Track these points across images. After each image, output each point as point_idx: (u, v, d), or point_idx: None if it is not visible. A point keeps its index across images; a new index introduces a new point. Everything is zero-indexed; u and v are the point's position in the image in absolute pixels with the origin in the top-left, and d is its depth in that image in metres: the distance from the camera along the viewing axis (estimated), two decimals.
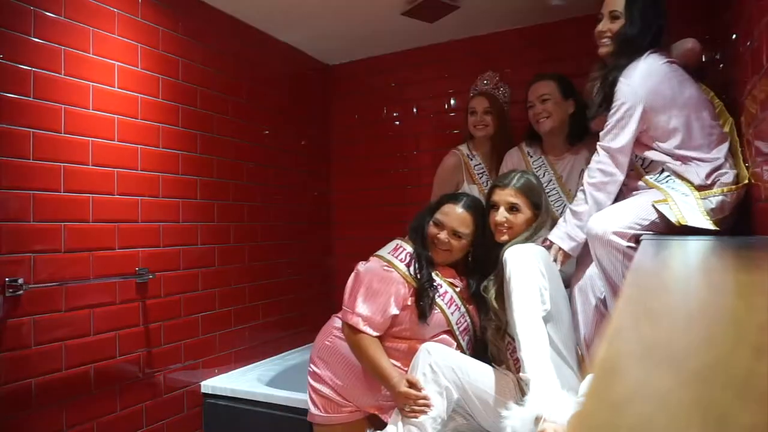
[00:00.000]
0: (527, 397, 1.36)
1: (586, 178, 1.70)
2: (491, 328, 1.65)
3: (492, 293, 1.63)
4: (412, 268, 1.76)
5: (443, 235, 1.77)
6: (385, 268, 1.76)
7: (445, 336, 1.76)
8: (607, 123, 1.67)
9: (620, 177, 1.66)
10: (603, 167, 1.66)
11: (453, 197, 1.87)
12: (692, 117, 1.59)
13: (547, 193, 2.10)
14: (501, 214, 1.67)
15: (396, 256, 1.79)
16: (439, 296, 1.75)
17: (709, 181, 1.54)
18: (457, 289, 1.81)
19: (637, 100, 1.60)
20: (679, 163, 1.59)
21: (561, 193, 2.14)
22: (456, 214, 1.78)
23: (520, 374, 1.43)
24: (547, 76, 2.15)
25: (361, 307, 1.70)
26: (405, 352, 1.73)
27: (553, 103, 2.10)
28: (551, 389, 1.34)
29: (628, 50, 1.67)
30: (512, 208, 1.67)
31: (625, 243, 1.47)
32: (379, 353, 1.68)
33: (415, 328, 1.73)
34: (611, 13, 1.72)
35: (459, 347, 1.77)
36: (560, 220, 1.75)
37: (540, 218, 1.68)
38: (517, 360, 1.62)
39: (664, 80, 1.61)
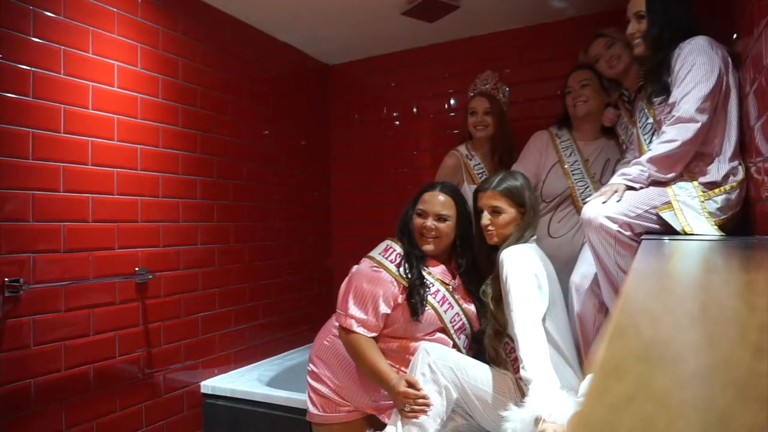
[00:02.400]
0: (527, 398, 1.36)
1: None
2: (489, 331, 1.65)
3: (490, 296, 1.64)
4: (402, 268, 1.76)
5: (429, 222, 1.79)
6: (374, 268, 1.77)
7: (440, 335, 1.76)
8: (677, 90, 1.54)
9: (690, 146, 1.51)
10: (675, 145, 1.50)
11: (429, 186, 1.90)
12: (725, 103, 1.56)
13: (572, 173, 2.13)
14: (485, 218, 1.69)
15: (386, 257, 1.80)
16: (430, 295, 1.75)
17: (720, 179, 1.53)
18: (449, 288, 1.81)
19: (710, 57, 1.52)
20: (706, 159, 1.54)
21: (585, 176, 2.15)
22: (436, 199, 1.82)
23: (520, 374, 1.43)
24: (586, 67, 2.19)
25: (354, 309, 1.71)
26: (398, 352, 1.73)
27: (592, 89, 2.14)
28: (551, 389, 1.34)
29: (660, 46, 1.65)
30: (494, 211, 1.68)
31: (615, 227, 1.46)
32: (375, 354, 1.68)
33: (407, 327, 1.73)
34: (636, 14, 1.71)
35: (455, 346, 1.76)
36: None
37: (526, 216, 1.68)
38: (516, 360, 1.62)
39: (721, 54, 1.56)
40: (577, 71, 2.19)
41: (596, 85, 2.14)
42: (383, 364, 1.66)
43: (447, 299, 1.78)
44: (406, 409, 1.53)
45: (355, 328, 1.69)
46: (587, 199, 1.66)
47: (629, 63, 2.00)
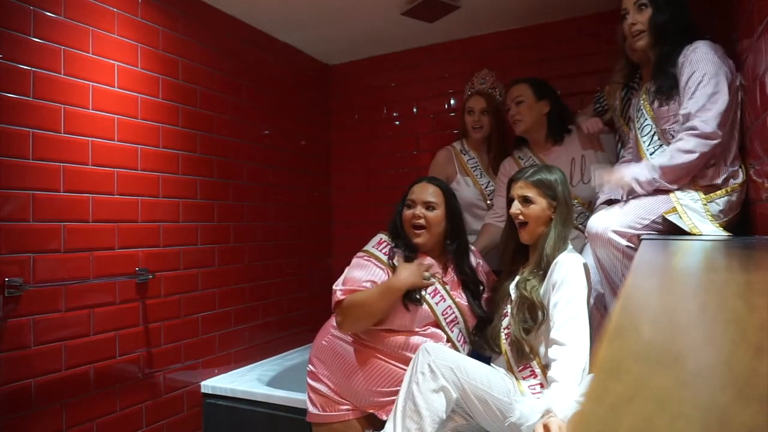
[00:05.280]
0: (545, 391, 1.39)
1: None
2: (524, 323, 1.61)
3: (537, 290, 1.62)
4: (392, 260, 1.80)
5: (417, 210, 1.81)
6: (365, 259, 1.81)
7: (434, 330, 1.76)
8: (691, 101, 1.53)
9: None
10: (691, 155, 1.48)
11: (416, 180, 1.93)
12: (736, 110, 1.55)
13: None
14: (514, 206, 1.69)
15: (380, 250, 1.84)
16: (423, 287, 1.77)
17: (720, 181, 1.52)
18: (441, 281, 1.82)
19: (719, 67, 1.51)
20: (706, 163, 1.53)
21: None
22: (423, 188, 1.85)
23: (548, 374, 1.45)
24: (521, 80, 2.23)
25: (343, 287, 1.76)
26: (391, 346, 1.74)
27: (525, 106, 2.18)
28: (572, 394, 1.35)
29: (666, 37, 1.62)
30: (525, 200, 1.67)
31: (624, 242, 1.46)
32: (365, 293, 1.71)
33: (400, 320, 1.74)
34: (637, 3, 1.66)
35: (449, 340, 1.77)
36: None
37: (559, 210, 1.66)
38: (521, 361, 1.62)
39: (725, 61, 1.55)
40: (511, 87, 2.24)
41: (530, 99, 2.18)
42: (373, 289, 1.70)
43: (438, 291, 1.79)
44: (424, 276, 1.69)
45: (340, 295, 1.73)
46: (596, 206, 1.66)
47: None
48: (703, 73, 1.51)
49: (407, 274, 1.71)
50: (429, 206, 1.81)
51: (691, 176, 1.53)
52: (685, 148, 1.49)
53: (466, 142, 2.52)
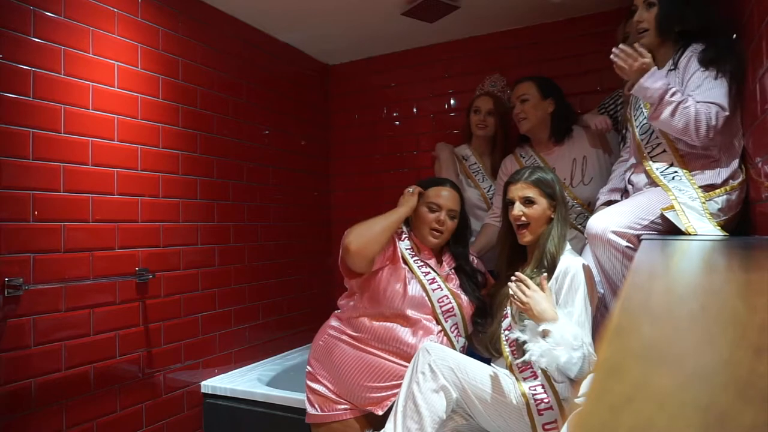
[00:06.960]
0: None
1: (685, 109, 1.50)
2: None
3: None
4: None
5: (443, 216, 1.84)
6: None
7: (426, 323, 1.77)
8: (696, 94, 1.52)
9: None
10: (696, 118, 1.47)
11: (435, 181, 1.94)
12: (735, 111, 1.55)
13: None
14: (517, 208, 1.68)
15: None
16: (422, 273, 1.80)
17: (719, 182, 1.52)
18: (438, 273, 1.84)
19: (723, 66, 1.51)
20: (704, 162, 1.53)
21: None
22: (451, 196, 1.88)
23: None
24: (527, 78, 2.21)
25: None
26: (384, 336, 1.75)
27: (530, 105, 2.15)
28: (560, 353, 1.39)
29: (671, 34, 1.62)
30: (527, 201, 1.67)
31: (624, 243, 1.46)
32: (374, 219, 1.78)
33: (394, 303, 1.75)
34: (645, 2, 1.66)
35: (443, 330, 1.77)
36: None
37: (559, 209, 1.67)
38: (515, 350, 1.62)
39: (729, 61, 1.54)
40: (516, 85, 2.21)
41: (535, 98, 2.15)
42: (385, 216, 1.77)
43: (436, 280, 1.81)
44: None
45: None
46: (596, 207, 1.65)
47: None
48: (707, 73, 1.51)
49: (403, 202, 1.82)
50: (452, 215, 1.85)
51: (664, 121, 1.52)
52: (688, 112, 1.47)
53: (470, 146, 2.53)
